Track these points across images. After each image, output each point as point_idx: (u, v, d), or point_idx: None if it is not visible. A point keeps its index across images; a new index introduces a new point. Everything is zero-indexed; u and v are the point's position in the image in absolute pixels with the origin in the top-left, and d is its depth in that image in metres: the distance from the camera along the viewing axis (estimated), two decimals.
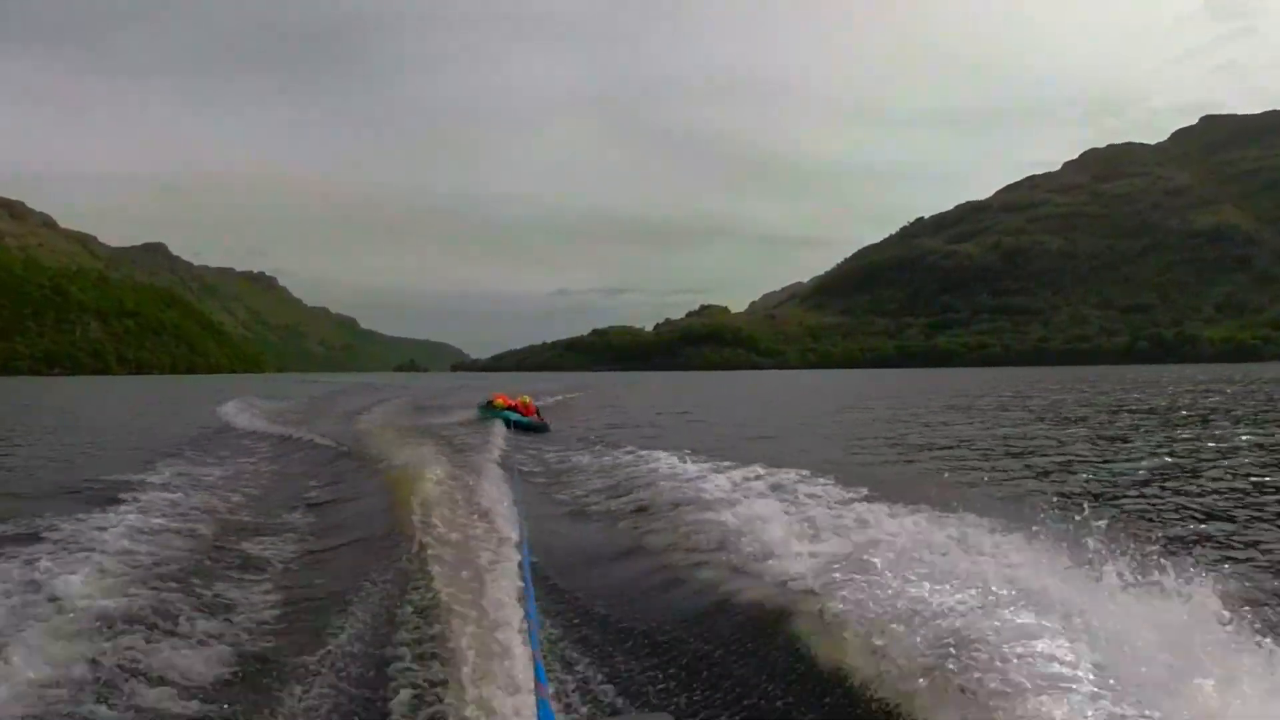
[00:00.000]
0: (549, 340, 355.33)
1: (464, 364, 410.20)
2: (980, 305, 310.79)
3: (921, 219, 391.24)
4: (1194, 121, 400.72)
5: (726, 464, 10.86)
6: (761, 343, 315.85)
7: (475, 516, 7.91)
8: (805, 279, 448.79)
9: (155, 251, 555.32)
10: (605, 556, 7.60)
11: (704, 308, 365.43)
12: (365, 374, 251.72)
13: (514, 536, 6.95)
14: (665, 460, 11.87)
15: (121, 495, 10.13)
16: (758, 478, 9.56)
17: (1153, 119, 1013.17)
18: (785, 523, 6.92)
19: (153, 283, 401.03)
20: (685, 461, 11.43)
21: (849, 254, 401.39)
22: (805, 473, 9.71)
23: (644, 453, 13.44)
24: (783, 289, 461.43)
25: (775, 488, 8.93)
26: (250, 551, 7.88)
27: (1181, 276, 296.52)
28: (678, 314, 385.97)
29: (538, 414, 22.27)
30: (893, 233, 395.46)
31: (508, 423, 20.01)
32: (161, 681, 4.54)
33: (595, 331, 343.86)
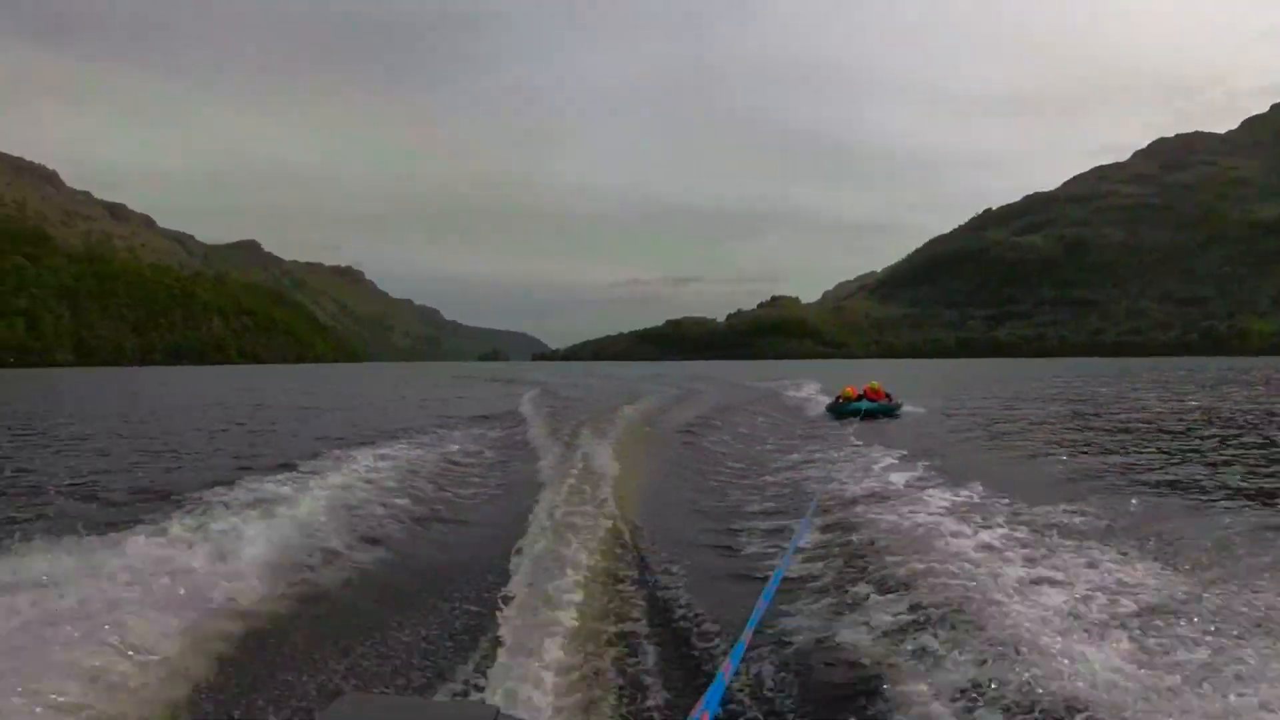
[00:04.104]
0: (623, 330, 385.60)
1: (545, 354, 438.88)
2: (1042, 297, 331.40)
3: (989, 210, 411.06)
4: (1266, 110, 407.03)
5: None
6: (828, 334, 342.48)
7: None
8: (879, 268, 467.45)
9: (247, 248, 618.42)
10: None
11: (775, 299, 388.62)
12: (466, 364, 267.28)
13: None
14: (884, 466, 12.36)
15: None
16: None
17: (1231, 102, 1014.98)
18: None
19: (246, 279, 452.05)
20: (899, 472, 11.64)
21: (921, 243, 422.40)
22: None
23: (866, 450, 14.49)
24: (856, 278, 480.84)
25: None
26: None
27: (1240, 269, 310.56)
28: (749, 304, 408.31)
29: (887, 396, 22.74)
30: (961, 223, 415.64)
31: (858, 414, 20.65)
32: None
33: (670, 322, 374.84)
